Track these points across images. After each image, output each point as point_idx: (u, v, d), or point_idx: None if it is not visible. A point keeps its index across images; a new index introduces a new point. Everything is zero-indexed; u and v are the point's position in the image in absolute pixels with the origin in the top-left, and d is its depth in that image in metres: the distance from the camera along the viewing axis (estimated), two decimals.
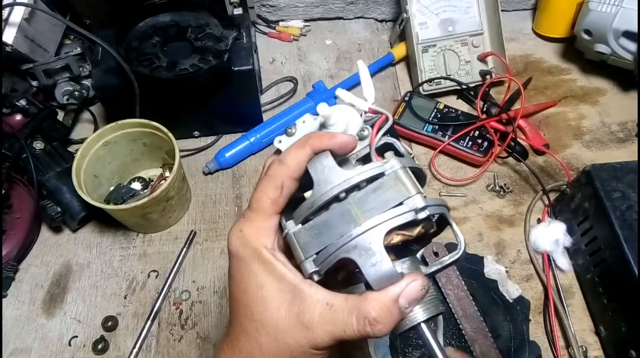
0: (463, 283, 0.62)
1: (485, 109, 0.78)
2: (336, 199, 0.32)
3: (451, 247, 0.65)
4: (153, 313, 0.62)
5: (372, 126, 0.36)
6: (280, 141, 0.37)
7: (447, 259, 0.34)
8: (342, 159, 0.34)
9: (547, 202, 0.70)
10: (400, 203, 0.31)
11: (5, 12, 0.67)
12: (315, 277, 0.32)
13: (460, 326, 0.59)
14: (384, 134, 0.35)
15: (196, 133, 0.78)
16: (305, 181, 0.33)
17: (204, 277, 0.66)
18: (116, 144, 0.66)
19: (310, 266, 0.32)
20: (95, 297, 0.64)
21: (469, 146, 0.74)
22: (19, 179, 0.68)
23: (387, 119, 0.36)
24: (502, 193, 0.73)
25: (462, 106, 0.82)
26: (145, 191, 0.71)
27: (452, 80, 0.81)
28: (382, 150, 0.36)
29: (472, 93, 0.82)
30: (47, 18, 0.73)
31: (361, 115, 0.36)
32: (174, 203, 0.66)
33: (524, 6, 0.96)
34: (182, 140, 0.77)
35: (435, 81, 0.81)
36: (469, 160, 0.75)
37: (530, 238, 0.67)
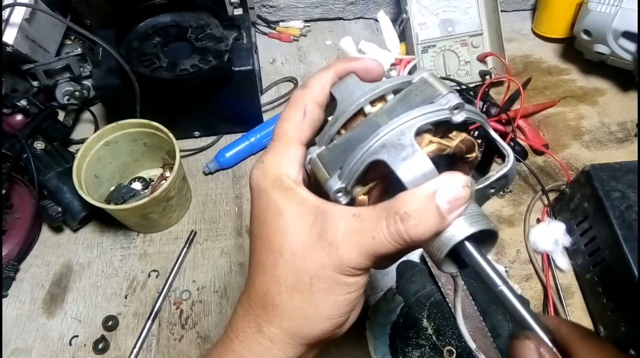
0: (462, 282, 0.62)
1: (484, 109, 0.78)
2: (361, 113, 0.29)
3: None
4: (153, 312, 0.62)
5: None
6: None
7: (495, 174, 0.30)
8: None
9: (546, 202, 0.71)
10: (431, 102, 0.27)
11: (5, 13, 0.67)
12: (342, 198, 0.28)
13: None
14: (410, 73, 0.33)
15: (196, 133, 0.79)
16: (331, 110, 0.31)
17: (205, 277, 0.66)
18: (117, 144, 0.67)
19: (334, 183, 0.28)
20: (96, 297, 0.64)
21: None
22: (20, 179, 0.68)
23: (414, 59, 0.33)
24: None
25: None
26: (145, 191, 0.71)
27: (451, 80, 0.81)
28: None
29: (471, 93, 0.82)
30: (47, 18, 0.73)
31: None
32: (174, 203, 0.66)
33: (523, 7, 0.96)
34: (182, 140, 0.77)
35: None
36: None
37: (530, 238, 0.67)
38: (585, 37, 0.79)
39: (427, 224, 0.25)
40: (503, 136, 0.75)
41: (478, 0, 0.81)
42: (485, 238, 0.27)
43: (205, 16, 0.72)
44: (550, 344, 0.25)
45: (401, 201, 0.26)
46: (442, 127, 0.29)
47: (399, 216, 0.25)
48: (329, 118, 0.31)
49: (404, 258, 0.64)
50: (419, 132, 0.27)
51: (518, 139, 0.75)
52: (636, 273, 0.53)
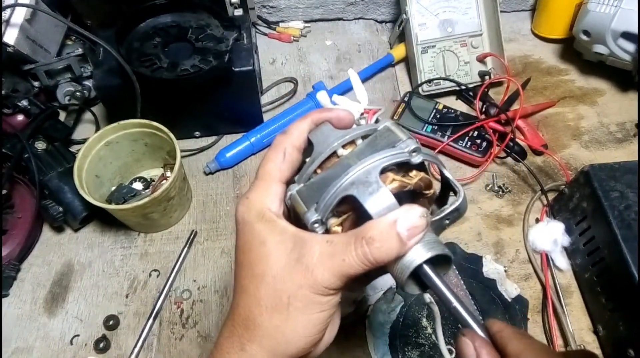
0: (462, 282, 0.62)
1: (484, 109, 0.78)
2: (335, 155, 0.34)
3: (449, 246, 0.66)
4: (154, 312, 0.62)
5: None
6: None
7: (449, 207, 0.34)
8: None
9: (545, 202, 0.71)
10: (393, 146, 0.33)
11: (6, 13, 0.67)
12: (318, 228, 0.32)
13: (459, 325, 0.59)
14: (376, 121, 0.39)
15: (197, 133, 0.79)
16: (308, 153, 0.36)
17: (205, 276, 0.66)
18: (117, 144, 0.67)
19: (312, 215, 0.32)
20: (97, 296, 0.64)
21: (467, 146, 0.75)
22: (21, 179, 0.68)
23: (380, 110, 0.40)
24: (500, 193, 0.73)
25: (461, 106, 0.83)
26: (146, 191, 0.71)
27: (451, 81, 0.82)
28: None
29: (471, 94, 0.83)
30: (48, 19, 0.73)
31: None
32: (175, 202, 0.66)
33: (522, 7, 0.96)
34: (183, 140, 0.77)
35: (435, 81, 0.82)
36: (468, 160, 0.76)
37: (529, 238, 0.67)
38: (584, 37, 0.80)
39: (389, 248, 0.29)
40: (502, 136, 0.75)
41: (477, 1, 0.81)
42: (442, 262, 0.31)
43: (206, 17, 0.72)
44: (483, 335, 0.29)
45: (367, 228, 0.30)
46: (403, 168, 0.33)
47: (365, 241, 0.29)
48: (307, 159, 0.36)
49: None
50: (383, 171, 0.31)
51: (517, 140, 0.76)
52: (635, 273, 0.53)
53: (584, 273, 0.63)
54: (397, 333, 0.59)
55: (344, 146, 0.35)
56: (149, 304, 0.63)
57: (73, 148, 0.76)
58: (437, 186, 0.36)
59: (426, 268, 0.30)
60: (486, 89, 0.79)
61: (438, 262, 0.31)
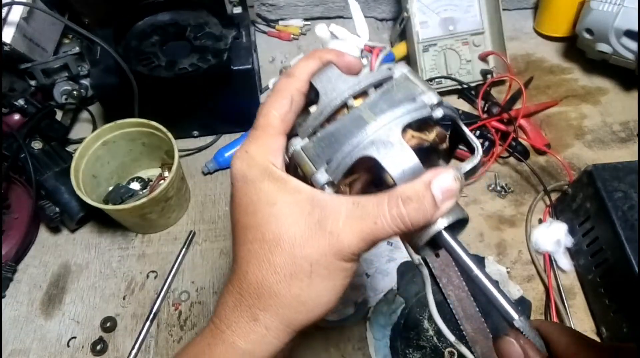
0: (464, 283, 0.61)
1: (486, 108, 0.78)
2: (344, 106, 0.30)
3: None
4: (152, 314, 0.61)
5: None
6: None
7: (466, 165, 0.31)
8: None
9: (548, 202, 0.70)
10: (414, 100, 0.29)
11: (3, 12, 0.66)
12: (328, 190, 0.29)
13: (461, 327, 0.59)
14: (381, 63, 0.35)
15: (195, 133, 0.78)
16: (310, 100, 0.32)
17: (203, 278, 0.65)
18: (115, 144, 0.66)
19: (322, 176, 0.29)
20: (94, 298, 0.64)
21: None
22: (17, 179, 0.68)
23: (384, 48, 0.35)
24: (503, 193, 0.73)
25: (463, 105, 0.82)
26: (144, 191, 0.70)
27: (453, 79, 0.81)
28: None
29: (473, 93, 0.82)
30: (45, 17, 0.73)
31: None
32: (173, 203, 0.65)
33: (525, 5, 0.96)
34: (181, 140, 0.77)
35: (436, 80, 0.81)
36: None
37: (532, 239, 0.67)
38: (587, 36, 0.79)
39: (424, 210, 0.27)
40: (505, 135, 0.74)
41: None
42: (457, 225, 0.29)
43: (205, 15, 0.71)
44: (512, 311, 0.28)
45: (401, 189, 0.27)
46: (418, 122, 0.30)
47: (402, 200, 0.27)
48: (310, 109, 0.31)
49: (405, 259, 0.64)
50: (403, 128, 0.28)
51: (520, 139, 0.75)
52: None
53: (587, 274, 0.62)
54: (398, 335, 0.59)
55: (354, 97, 0.31)
56: (147, 306, 0.63)
57: (70, 148, 0.75)
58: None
59: (445, 234, 0.28)
60: (488, 88, 0.78)
61: (454, 224, 0.29)
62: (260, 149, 0.30)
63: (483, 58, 0.82)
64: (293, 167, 0.31)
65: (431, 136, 0.30)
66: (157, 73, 0.65)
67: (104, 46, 0.64)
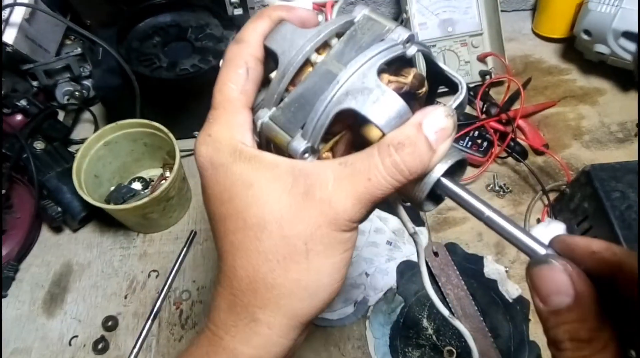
0: (463, 282, 0.62)
1: (484, 109, 0.78)
2: (308, 63, 0.27)
3: (450, 246, 0.66)
4: (153, 313, 0.62)
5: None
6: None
7: (453, 102, 0.28)
8: None
9: (546, 202, 0.70)
10: (382, 39, 0.26)
11: (5, 13, 0.67)
12: (309, 158, 0.26)
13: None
14: (339, 13, 0.32)
15: (196, 133, 0.78)
16: (269, 69, 0.29)
17: (205, 277, 0.66)
18: (117, 144, 0.67)
19: (299, 144, 0.26)
20: (96, 297, 0.64)
21: (468, 146, 0.74)
22: (20, 179, 0.68)
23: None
24: (501, 193, 0.73)
25: None
26: (145, 191, 0.71)
27: None
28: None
29: (471, 93, 0.82)
30: (47, 18, 0.73)
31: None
32: (174, 203, 0.66)
33: (523, 7, 0.96)
34: (182, 140, 0.77)
35: None
36: (469, 160, 0.75)
37: None
38: (585, 37, 0.79)
39: (420, 153, 0.24)
40: (503, 136, 0.75)
41: (478, 0, 0.81)
42: (456, 169, 0.27)
43: (206, 16, 0.72)
44: (537, 246, 0.24)
45: (391, 136, 0.24)
46: (393, 65, 0.27)
47: (393, 147, 0.24)
48: (271, 75, 0.28)
49: (405, 258, 0.64)
50: (378, 73, 0.25)
51: (518, 139, 0.75)
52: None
53: None
54: (398, 334, 0.59)
55: (317, 50, 0.27)
56: (148, 305, 0.63)
57: (72, 148, 0.75)
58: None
59: (444, 181, 0.26)
60: (487, 89, 0.78)
61: (453, 169, 0.27)
62: (224, 129, 0.27)
63: (482, 59, 0.82)
64: (265, 143, 0.28)
65: (409, 78, 0.28)
66: (158, 74, 0.66)
67: (105, 47, 0.64)
